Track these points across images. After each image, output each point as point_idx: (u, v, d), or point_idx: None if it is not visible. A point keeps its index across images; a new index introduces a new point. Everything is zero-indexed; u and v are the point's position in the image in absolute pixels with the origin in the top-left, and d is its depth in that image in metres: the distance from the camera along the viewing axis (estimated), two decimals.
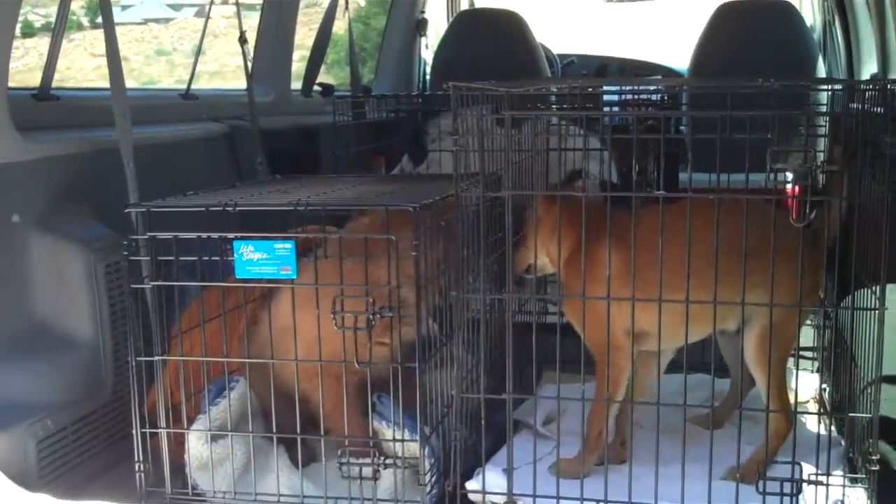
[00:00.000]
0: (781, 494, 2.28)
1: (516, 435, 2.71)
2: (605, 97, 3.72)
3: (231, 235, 2.43)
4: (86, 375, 2.93)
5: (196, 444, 2.58)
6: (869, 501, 2.32)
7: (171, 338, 2.60)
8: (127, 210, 2.58)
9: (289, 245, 2.41)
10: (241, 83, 4.23)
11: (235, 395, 2.63)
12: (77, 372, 2.92)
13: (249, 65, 4.15)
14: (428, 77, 6.17)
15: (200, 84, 4.36)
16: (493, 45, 5.52)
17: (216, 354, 2.58)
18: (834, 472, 2.37)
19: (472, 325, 2.57)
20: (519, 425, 2.87)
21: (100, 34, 3.03)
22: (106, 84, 2.98)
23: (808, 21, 6.01)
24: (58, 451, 2.78)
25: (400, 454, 2.48)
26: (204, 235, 2.44)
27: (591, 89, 3.29)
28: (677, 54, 6.56)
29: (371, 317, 2.39)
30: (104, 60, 2.95)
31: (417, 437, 2.44)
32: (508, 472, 2.47)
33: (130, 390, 2.53)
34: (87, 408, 2.90)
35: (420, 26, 6.15)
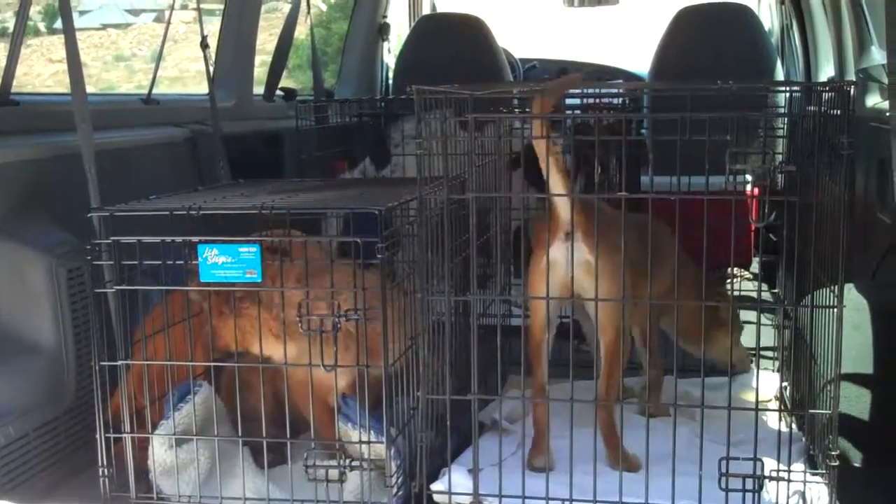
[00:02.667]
0: (744, 490, 2.30)
1: (482, 436, 2.73)
2: (568, 101, 3.75)
3: (195, 239, 2.42)
4: (48, 381, 2.91)
5: (159, 450, 2.57)
6: (829, 496, 2.35)
7: (135, 342, 2.59)
8: (90, 214, 2.56)
9: (254, 248, 2.40)
10: (202, 88, 4.21)
11: (199, 399, 2.62)
12: (39, 378, 2.89)
13: (211, 69, 4.13)
14: (390, 81, 6.19)
15: (161, 89, 4.34)
16: (455, 50, 5.55)
17: (181, 359, 2.57)
18: (795, 468, 2.39)
19: (438, 328, 2.59)
20: (484, 427, 2.89)
21: (57, 40, 3.02)
22: (64, 89, 2.96)
23: (767, 25, 6.09)
24: (20, 457, 2.75)
25: (366, 456, 2.48)
26: (168, 239, 2.43)
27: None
28: (638, 59, 6.61)
29: (337, 320, 2.39)
30: (62, 66, 2.93)
31: (383, 439, 2.45)
32: (474, 472, 2.48)
33: (94, 395, 2.51)
34: (49, 414, 2.88)
35: (382, 31, 6.17)
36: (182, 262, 2.46)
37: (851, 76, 4.23)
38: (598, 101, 3.87)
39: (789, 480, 2.34)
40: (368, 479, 2.45)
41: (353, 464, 2.43)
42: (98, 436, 2.51)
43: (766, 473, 2.32)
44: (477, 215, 2.45)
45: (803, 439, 2.68)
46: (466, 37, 5.65)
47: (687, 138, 2.24)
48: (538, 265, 2.57)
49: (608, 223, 2.48)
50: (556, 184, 2.50)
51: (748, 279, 4.53)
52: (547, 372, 2.67)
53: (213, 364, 2.63)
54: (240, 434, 2.62)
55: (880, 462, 2.78)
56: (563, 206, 2.52)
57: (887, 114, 2.63)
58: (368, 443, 2.48)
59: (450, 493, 2.48)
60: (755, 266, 4.72)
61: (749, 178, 2.40)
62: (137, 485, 2.56)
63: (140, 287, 2.52)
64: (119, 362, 2.54)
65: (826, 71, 5.08)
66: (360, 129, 4.80)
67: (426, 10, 6.77)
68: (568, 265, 2.50)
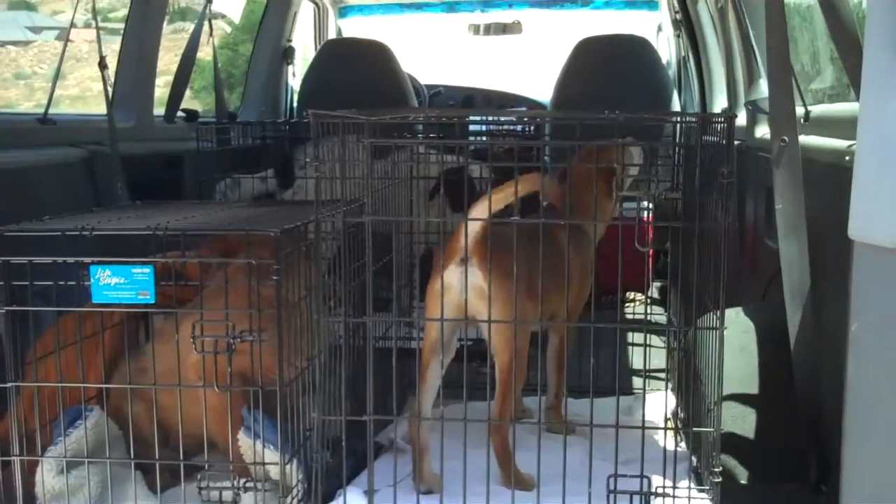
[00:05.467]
0: None
1: (378, 457, 2.74)
2: (472, 127, 3.82)
3: (88, 260, 2.40)
4: None
5: (48, 476, 2.52)
6: None
7: (26, 364, 2.54)
8: None
9: (147, 269, 2.39)
10: (103, 108, 4.16)
11: (91, 423, 2.58)
12: None
13: (110, 90, 4.09)
14: (295, 105, 6.19)
15: (62, 108, 4.27)
16: (360, 74, 5.58)
17: (73, 382, 2.54)
18: (681, 485, 2.46)
19: (335, 350, 2.60)
20: (382, 448, 2.90)
21: None
22: None
23: (665, 57, 6.26)
24: None
25: (263, 476, 2.48)
26: (59, 260, 2.40)
27: (454, 118, 3.40)
28: (541, 87, 6.73)
29: (231, 341, 2.39)
30: None
31: (279, 459, 2.45)
32: (370, 493, 2.50)
33: None
34: None
35: (287, 54, 6.17)
36: (74, 283, 2.43)
37: (741, 107, 4.38)
38: (500, 128, 3.94)
39: (675, 497, 2.41)
40: (262, 500, 2.44)
41: (248, 485, 2.42)
42: None
43: (653, 490, 2.38)
44: (381, 239, 2.48)
45: (690, 457, 2.76)
46: (371, 62, 5.69)
47: (576, 164, 2.32)
48: (432, 288, 2.61)
49: (503, 247, 2.53)
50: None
51: (641, 303, 4.63)
52: (434, 394, 2.69)
53: (105, 386, 2.60)
54: (132, 457, 2.58)
55: (763, 480, 2.88)
56: (459, 232, 2.57)
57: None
58: (263, 464, 2.47)
59: None
60: (655, 292, 4.84)
61: (646, 205, 2.48)
62: None
63: (31, 308, 2.48)
64: (8, 384, 2.49)
65: (720, 102, 5.25)
66: (264, 151, 4.80)
67: (331, 35, 6.80)
68: (461, 290, 2.55)
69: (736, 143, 2.47)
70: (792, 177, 2.68)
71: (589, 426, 2.49)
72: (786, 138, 2.65)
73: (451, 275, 2.58)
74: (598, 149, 2.75)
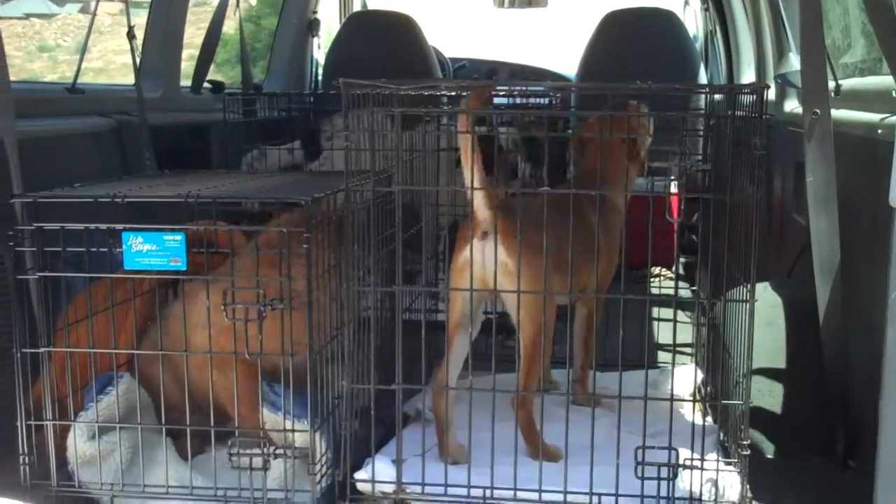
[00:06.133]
0: (659, 479, 2.37)
1: (405, 427, 2.76)
2: (496, 100, 3.80)
3: (120, 226, 2.42)
4: None
5: (79, 442, 2.55)
6: (741, 484, 2.43)
7: (57, 331, 2.57)
8: (13, 200, 2.53)
9: (179, 237, 2.40)
10: (127, 80, 4.17)
11: (121, 390, 2.61)
12: None
13: (138, 59, 4.10)
14: (320, 77, 6.19)
15: (86, 80, 4.29)
16: (385, 47, 5.56)
17: (103, 348, 2.56)
18: (709, 457, 2.47)
19: (364, 319, 2.61)
20: (408, 418, 2.92)
21: None
22: None
23: (692, 31, 6.22)
24: None
25: (291, 444, 2.49)
26: (92, 226, 2.42)
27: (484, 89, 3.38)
28: (566, 60, 6.70)
29: (262, 309, 2.40)
30: None
31: (308, 427, 2.47)
32: (398, 461, 2.51)
33: (15, 382, 2.48)
34: None
35: (312, 26, 6.16)
36: (105, 249, 2.45)
37: (770, 81, 4.35)
38: (526, 99, 3.93)
39: (703, 469, 2.41)
40: (292, 467, 2.46)
41: (277, 452, 2.44)
42: (19, 423, 2.49)
43: (681, 462, 2.39)
44: (408, 210, 2.48)
45: (718, 431, 2.76)
46: (396, 34, 5.67)
47: (609, 135, 2.31)
48: (456, 262, 2.62)
49: (528, 220, 2.51)
50: (475, 181, 2.53)
51: (669, 278, 4.63)
52: (460, 366, 2.70)
53: (136, 353, 2.62)
54: (163, 422, 2.61)
55: (790, 454, 2.88)
56: (481, 206, 2.55)
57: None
58: (293, 430, 2.49)
59: (373, 481, 2.51)
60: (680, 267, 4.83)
61: (674, 179, 2.47)
62: (58, 473, 2.53)
63: (63, 274, 2.50)
64: (41, 349, 2.51)
65: (748, 76, 5.22)
66: (289, 123, 4.81)
67: (357, 7, 6.78)
68: (485, 264, 2.54)
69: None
70: (823, 150, 2.67)
71: (617, 398, 2.49)
72: (818, 111, 2.64)
73: (475, 250, 2.56)
74: (611, 118, 2.71)
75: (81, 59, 4.05)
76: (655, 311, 3.40)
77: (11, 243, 2.46)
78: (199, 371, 2.57)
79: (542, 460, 2.56)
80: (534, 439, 2.64)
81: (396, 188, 2.48)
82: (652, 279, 4.59)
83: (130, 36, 4.00)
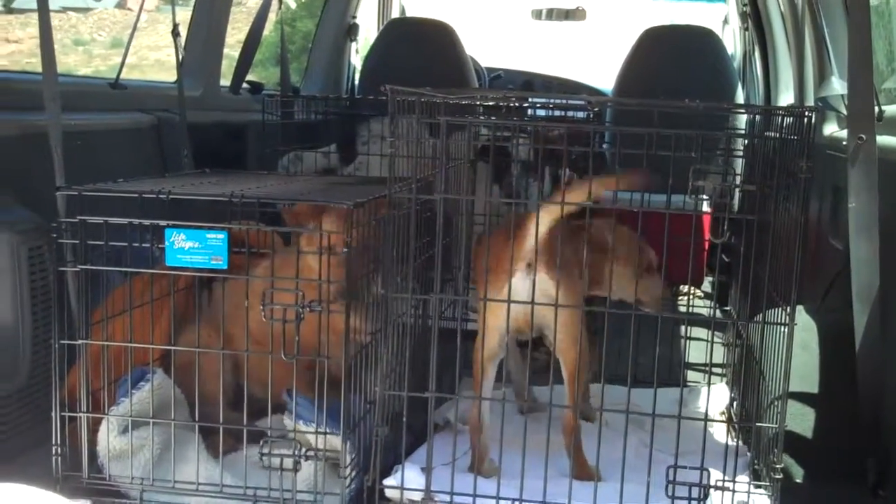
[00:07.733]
0: (689, 499, 2.36)
1: (436, 434, 2.76)
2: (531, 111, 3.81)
3: (163, 223, 2.43)
4: (2, 360, 2.88)
5: (110, 436, 2.56)
6: None
7: (94, 324, 2.58)
8: (57, 193, 2.56)
9: (221, 235, 2.41)
10: (161, 77, 4.19)
11: (154, 384, 2.62)
12: None
13: (181, 57, 4.13)
14: (356, 82, 6.21)
15: (123, 75, 4.32)
16: (423, 55, 5.58)
17: (138, 343, 2.57)
18: (740, 479, 2.45)
19: (398, 326, 2.62)
20: (437, 427, 2.92)
21: (14, 20, 2.99)
22: (20, 69, 2.93)
23: (730, 50, 6.20)
24: None
25: (321, 447, 2.50)
26: (135, 221, 2.44)
27: (524, 101, 3.39)
28: (601, 75, 6.70)
29: (300, 310, 2.41)
30: (19, 46, 2.89)
31: (338, 432, 2.47)
32: (427, 469, 2.51)
33: (51, 373, 2.50)
34: (2, 391, 2.85)
35: (351, 31, 6.18)
36: (147, 245, 2.46)
37: (811, 104, 4.33)
38: (563, 113, 3.92)
39: (734, 490, 2.40)
40: (322, 470, 2.47)
41: (309, 454, 2.44)
42: (53, 413, 2.51)
43: (712, 483, 2.38)
44: (442, 217, 2.48)
45: (749, 453, 2.75)
46: (435, 42, 5.69)
47: (653, 153, 2.30)
48: (498, 293, 2.54)
49: (569, 244, 2.50)
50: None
51: (700, 297, 4.61)
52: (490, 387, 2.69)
53: (173, 349, 2.63)
54: (196, 419, 2.62)
55: (820, 479, 2.86)
56: (529, 234, 2.51)
57: (844, 143, 2.72)
58: (325, 433, 2.49)
59: (402, 488, 2.51)
60: (707, 285, 4.81)
61: (706, 198, 2.46)
62: (89, 465, 2.55)
63: (103, 268, 2.51)
64: (79, 341, 2.53)
65: (785, 98, 5.19)
66: (326, 127, 4.83)
67: (395, 14, 6.80)
68: (528, 298, 2.49)
69: None
70: (867, 176, 2.65)
71: (651, 416, 2.48)
72: (863, 136, 2.62)
73: (519, 282, 2.52)
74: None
75: (125, 55, 4.08)
76: (683, 330, 3.39)
77: (55, 235, 2.48)
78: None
79: (590, 480, 2.54)
80: (582, 461, 2.63)
81: (438, 196, 2.49)
82: (681, 297, 4.58)
83: (175, 34, 4.03)
